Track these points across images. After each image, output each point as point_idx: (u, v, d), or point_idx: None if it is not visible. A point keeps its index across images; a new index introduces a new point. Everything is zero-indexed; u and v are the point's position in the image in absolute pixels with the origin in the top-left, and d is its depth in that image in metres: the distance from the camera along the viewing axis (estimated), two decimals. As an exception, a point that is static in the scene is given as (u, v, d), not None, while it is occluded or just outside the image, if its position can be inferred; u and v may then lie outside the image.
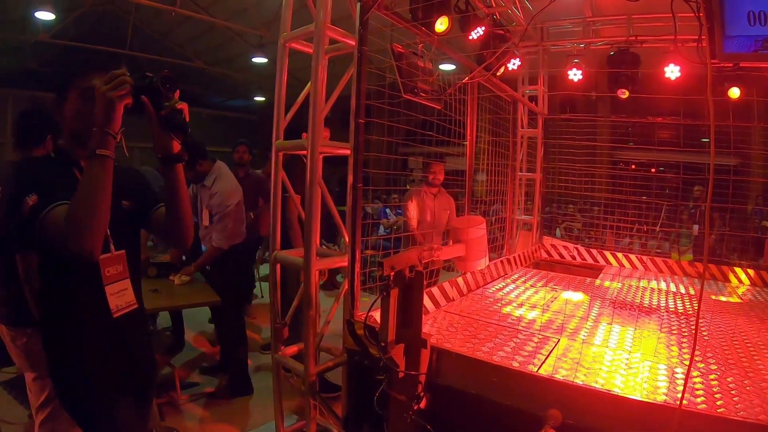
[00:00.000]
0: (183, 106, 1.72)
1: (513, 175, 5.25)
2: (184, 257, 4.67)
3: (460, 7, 3.51)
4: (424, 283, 2.27)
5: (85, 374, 1.88)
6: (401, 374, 2.15)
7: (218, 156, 4.67)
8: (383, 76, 3.09)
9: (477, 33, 3.58)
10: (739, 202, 4.73)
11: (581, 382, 2.17)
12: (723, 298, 4.06)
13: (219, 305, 4.18)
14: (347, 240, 2.83)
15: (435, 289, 3.42)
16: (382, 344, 2.11)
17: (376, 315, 2.30)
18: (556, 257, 5.67)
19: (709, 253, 4.91)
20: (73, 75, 1.80)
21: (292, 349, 3.15)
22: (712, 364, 2.49)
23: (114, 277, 1.90)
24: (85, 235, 1.58)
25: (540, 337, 2.81)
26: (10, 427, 3.62)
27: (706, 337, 2.95)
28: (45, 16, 11.27)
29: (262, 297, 7.35)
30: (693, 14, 1.97)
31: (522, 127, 5.54)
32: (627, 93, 4.63)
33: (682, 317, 3.37)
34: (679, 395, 1.82)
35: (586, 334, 2.90)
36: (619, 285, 4.33)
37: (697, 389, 2.17)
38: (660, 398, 2.07)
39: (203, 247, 4.55)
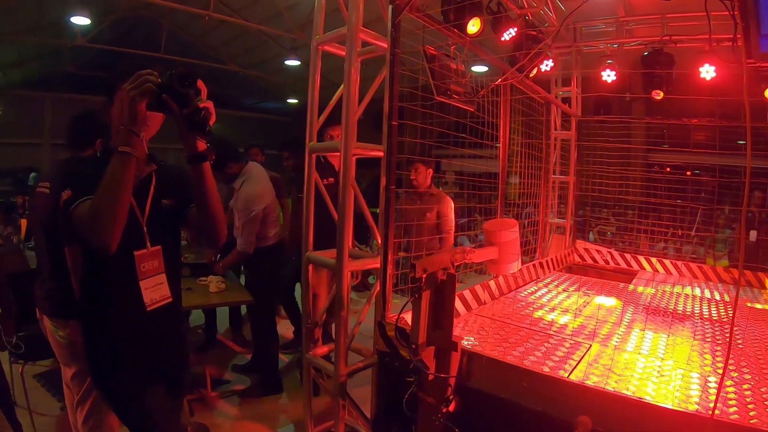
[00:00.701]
0: (207, 104, 1.71)
1: (546, 177, 5.20)
2: (218, 256, 4.71)
3: (492, 8, 3.50)
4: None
5: (118, 362, 1.98)
6: (431, 376, 2.15)
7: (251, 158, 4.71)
8: (416, 78, 3.09)
9: (509, 34, 3.56)
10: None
11: (612, 389, 2.15)
12: (759, 306, 3.93)
13: (252, 304, 4.21)
14: (379, 242, 2.84)
15: (467, 292, 3.41)
16: (413, 346, 2.11)
17: (408, 317, 2.30)
18: (589, 261, 5.59)
19: (745, 258, 4.78)
20: (119, 78, 1.83)
21: (323, 350, 3.17)
22: (746, 373, 2.43)
23: (150, 272, 1.96)
24: (102, 228, 1.64)
25: (571, 342, 2.77)
26: (42, 418, 3.71)
27: (740, 346, 2.87)
28: (81, 20, 11.60)
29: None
30: (728, 13, 1.92)
31: (555, 129, 5.48)
32: (662, 94, 4.54)
33: (716, 325, 3.29)
34: (712, 405, 1.79)
35: (618, 340, 2.86)
36: (653, 290, 4.25)
37: (730, 399, 2.12)
38: (692, 407, 2.03)
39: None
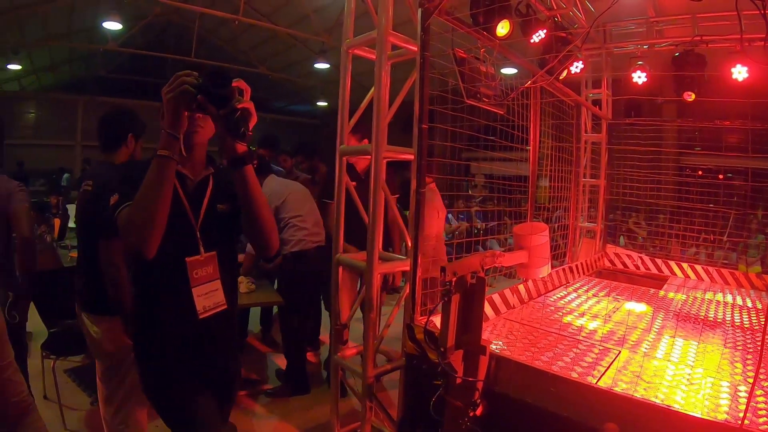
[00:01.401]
0: (246, 105, 1.65)
1: (576, 181, 5.15)
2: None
3: (521, 10, 3.48)
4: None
5: (167, 371, 1.94)
6: (459, 380, 2.14)
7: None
8: (445, 81, 3.08)
9: (539, 36, 3.54)
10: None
11: (641, 397, 2.12)
12: (792, 314, 3.84)
13: (282, 305, 4.24)
14: (409, 244, 2.84)
15: (496, 296, 3.40)
16: (442, 349, 2.11)
17: (436, 320, 2.30)
18: (620, 266, 5.51)
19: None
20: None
21: (351, 351, 3.18)
22: (777, 383, 2.37)
23: (203, 278, 1.92)
24: (137, 232, 1.64)
25: (600, 348, 2.75)
26: (72, 413, 3.78)
27: (771, 355, 2.81)
28: (113, 26, 11.84)
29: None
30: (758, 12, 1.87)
31: (586, 132, 5.43)
32: (693, 96, 4.45)
33: (747, 332, 3.22)
34: (741, 414, 1.75)
35: (647, 347, 2.82)
36: (684, 297, 4.18)
37: (760, 409, 2.07)
38: (721, 417, 1.99)
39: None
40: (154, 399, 1.98)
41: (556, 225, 4.77)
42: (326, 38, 12.53)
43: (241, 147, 1.70)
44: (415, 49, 2.78)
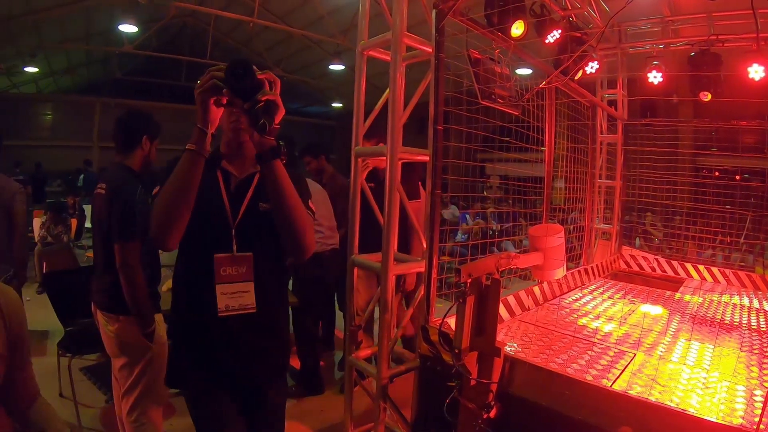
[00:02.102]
0: (270, 97, 1.61)
1: (592, 182, 5.11)
2: None
3: (535, 10, 3.46)
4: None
5: (183, 362, 1.95)
6: (473, 382, 2.14)
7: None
8: (460, 82, 3.08)
9: (553, 36, 3.52)
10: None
11: (655, 400, 2.10)
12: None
13: (296, 306, 4.26)
14: (425, 246, 2.84)
15: (510, 298, 3.39)
16: (456, 351, 2.10)
17: (451, 321, 2.29)
18: (635, 268, 5.46)
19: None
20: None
21: (366, 352, 3.18)
22: (794, 387, 2.34)
23: (231, 278, 1.85)
24: (156, 222, 1.67)
25: (616, 350, 2.72)
26: (88, 410, 3.83)
27: (788, 358, 2.77)
28: (128, 28, 11.98)
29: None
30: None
31: (601, 133, 5.39)
32: (709, 96, 4.40)
33: (764, 336, 3.17)
34: (757, 419, 1.74)
35: (663, 350, 2.79)
36: (700, 299, 4.12)
37: (776, 413, 2.05)
38: (736, 421, 1.96)
39: None
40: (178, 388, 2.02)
41: (572, 226, 4.74)
42: (341, 40, 12.57)
43: (268, 141, 1.67)
44: (430, 50, 2.78)
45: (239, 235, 1.86)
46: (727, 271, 4.96)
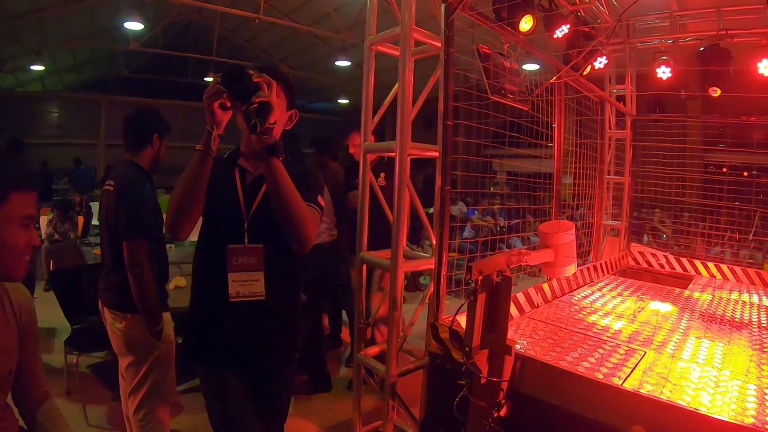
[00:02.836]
0: (263, 99, 1.69)
1: (601, 178, 5.09)
2: None
3: (543, 5, 3.44)
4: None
5: (196, 341, 2.12)
6: (483, 380, 2.12)
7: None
8: (468, 77, 3.05)
9: (562, 31, 3.50)
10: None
11: (666, 399, 2.08)
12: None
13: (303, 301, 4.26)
14: (434, 242, 2.82)
15: (520, 295, 3.37)
16: (466, 349, 2.08)
17: (460, 319, 2.27)
18: (644, 265, 5.43)
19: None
20: None
21: (374, 350, 3.16)
22: (805, 386, 2.31)
23: (242, 267, 2.00)
24: (169, 215, 1.86)
25: (626, 348, 2.70)
26: (95, 408, 3.83)
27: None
28: (134, 26, 11.97)
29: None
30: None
31: (610, 129, 5.35)
32: (718, 91, 4.36)
33: (775, 334, 3.15)
34: (768, 418, 1.71)
35: (673, 348, 2.76)
36: (710, 297, 4.10)
37: (788, 412, 2.02)
38: (748, 420, 1.93)
39: None
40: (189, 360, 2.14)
41: (580, 223, 4.71)
42: (347, 36, 12.56)
43: (263, 140, 1.77)
44: (439, 44, 2.76)
45: (251, 228, 2.02)
46: (736, 268, 4.92)
